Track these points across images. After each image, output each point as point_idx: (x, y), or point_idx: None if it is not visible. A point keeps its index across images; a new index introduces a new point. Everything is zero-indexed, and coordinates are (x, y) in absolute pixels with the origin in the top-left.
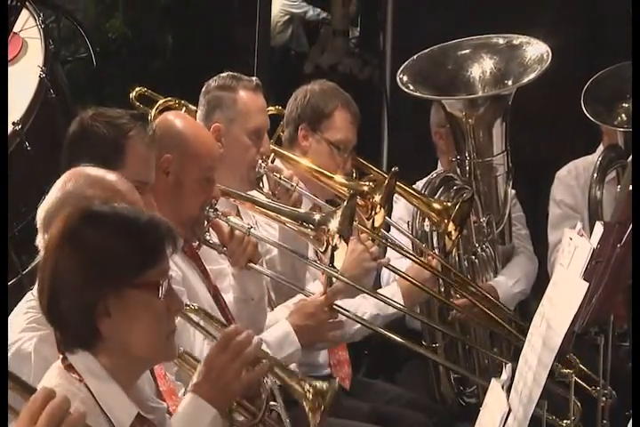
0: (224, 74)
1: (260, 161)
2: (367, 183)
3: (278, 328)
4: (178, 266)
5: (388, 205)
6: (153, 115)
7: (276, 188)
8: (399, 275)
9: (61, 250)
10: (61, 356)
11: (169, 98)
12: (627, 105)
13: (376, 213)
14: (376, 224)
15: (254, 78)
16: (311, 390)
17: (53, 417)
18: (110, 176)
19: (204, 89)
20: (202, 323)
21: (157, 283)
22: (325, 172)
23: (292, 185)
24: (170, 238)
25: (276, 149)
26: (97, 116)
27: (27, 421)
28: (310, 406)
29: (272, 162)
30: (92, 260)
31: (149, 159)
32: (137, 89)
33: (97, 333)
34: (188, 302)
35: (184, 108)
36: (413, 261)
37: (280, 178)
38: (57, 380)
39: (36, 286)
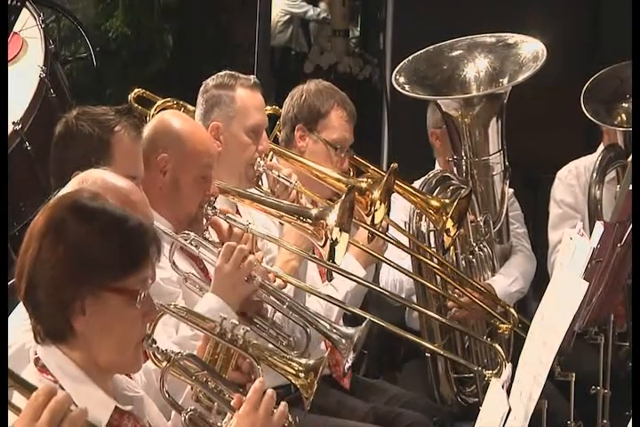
0: (222, 73)
1: (258, 159)
2: (365, 180)
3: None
4: (176, 266)
5: (387, 202)
6: (151, 116)
7: (274, 185)
8: (402, 271)
9: (45, 239)
10: (34, 356)
11: (167, 99)
12: (626, 105)
13: (376, 210)
14: (376, 221)
15: (252, 77)
16: (302, 369)
17: (55, 414)
18: (124, 183)
19: (202, 88)
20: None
21: (136, 291)
22: (323, 169)
23: (290, 183)
24: (155, 247)
25: (274, 146)
26: (81, 115)
27: (29, 418)
28: (302, 383)
29: (271, 160)
30: (74, 255)
31: (137, 153)
32: (135, 91)
33: (71, 329)
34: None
35: (182, 109)
36: (414, 257)
37: (279, 176)
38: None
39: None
